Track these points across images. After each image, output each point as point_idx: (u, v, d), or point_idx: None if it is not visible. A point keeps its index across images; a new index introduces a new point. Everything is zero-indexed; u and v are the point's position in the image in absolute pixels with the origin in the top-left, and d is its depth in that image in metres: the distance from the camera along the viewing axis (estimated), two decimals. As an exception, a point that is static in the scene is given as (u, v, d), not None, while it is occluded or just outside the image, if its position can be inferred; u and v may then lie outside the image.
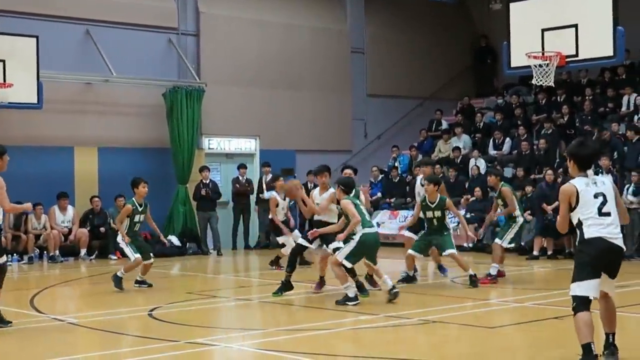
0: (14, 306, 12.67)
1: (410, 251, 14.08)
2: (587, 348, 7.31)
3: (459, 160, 23.87)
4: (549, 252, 19.04)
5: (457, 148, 24.16)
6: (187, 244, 21.72)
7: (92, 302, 13.41)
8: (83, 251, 20.12)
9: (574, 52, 14.77)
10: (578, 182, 7.65)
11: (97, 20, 21.79)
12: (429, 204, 13.92)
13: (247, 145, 24.28)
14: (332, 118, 25.74)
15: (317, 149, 24.88)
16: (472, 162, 23.19)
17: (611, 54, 14.44)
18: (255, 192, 22.66)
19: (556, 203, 15.05)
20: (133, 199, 14.02)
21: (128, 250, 13.84)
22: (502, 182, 15.07)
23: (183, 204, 22.15)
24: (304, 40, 25.36)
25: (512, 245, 15.27)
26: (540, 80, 15.86)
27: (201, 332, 10.30)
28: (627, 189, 18.64)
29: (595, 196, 7.60)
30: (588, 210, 7.55)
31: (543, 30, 15.04)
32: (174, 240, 21.29)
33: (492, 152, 24.09)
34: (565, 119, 23.46)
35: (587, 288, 7.46)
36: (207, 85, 22.62)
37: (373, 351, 9.07)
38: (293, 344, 9.46)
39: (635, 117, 22.28)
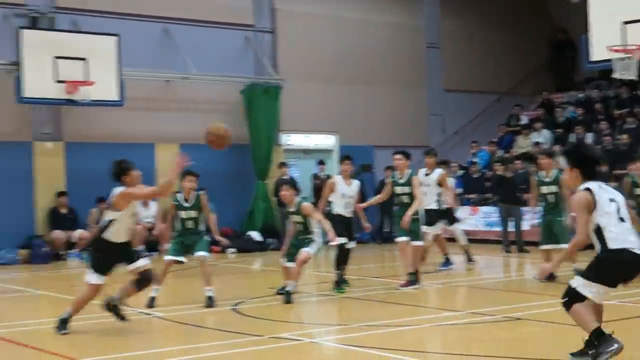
0: (101, 300, 12.90)
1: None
2: (598, 332, 7.10)
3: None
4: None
5: (537, 143, 23.85)
6: (268, 239, 21.86)
7: (177, 297, 13.57)
8: (166, 246, 20.31)
9: (657, 45, 14.48)
10: (592, 186, 7.24)
11: (176, 19, 22.08)
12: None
13: (326, 141, 24.34)
14: (408, 113, 25.67)
15: (394, 144, 24.73)
16: (553, 157, 22.85)
17: (697, 45, 14.12)
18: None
19: None
20: (178, 194, 12.52)
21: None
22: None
23: (263, 200, 22.32)
24: (380, 35, 25.33)
25: None
26: (622, 74, 15.60)
27: (285, 327, 10.36)
28: None
29: (611, 200, 7.22)
30: (610, 216, 7.15)
31: (625, 23, 14.74)
32: (255, 235, 21.47)
33: (573, 147, 23.70)
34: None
35: (596, 293, 7.17)
36: (284, 82, 22.74)
37: (456, 348, 9.02)
38: (376, 340, 9.44)
39: None
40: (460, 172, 23.88)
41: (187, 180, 12.33)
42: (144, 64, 21.13)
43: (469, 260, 16.96)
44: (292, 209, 12.45)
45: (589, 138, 23.51)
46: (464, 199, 23.26)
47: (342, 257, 13.27)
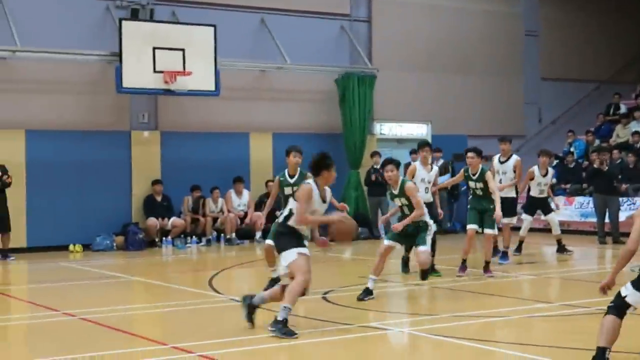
0: (193, 287, 13.16)
1: None
2: (600, 351, 6.93)
3: (638, 146, 23.01)
4: None
5: (637, 133, 23.30)
6: (359, 228, 21.88)
7: (259, 284, 13.71)
8: (258, 234, 20.57)
9: None
10: None
11: (272, 9, 22.24)
12: None
13: (419, 130, 24.23)
14: (504, 102, 25.36)
15: (488, 133, 24.52)
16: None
17: None
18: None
19: None
20: (285, 170, 12.55)
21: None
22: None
23: (355, 188, 22.36)
24: (476, 23, 25.07)
25: None
26: None
27: (374, 316, 10.39)
28: None
29: None
30: None
31: None
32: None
33: (674, 137, 23.13)
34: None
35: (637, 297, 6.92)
36: (378, 71, 22.72)
37: (549, 340, 8.90)
38: (466, 331, 9.41)
39: None
40: (556, 162, 23.50)
41: (292, 155, 12.36)
42: (240, 54, 21.35)
43: (565, 250, 16.73)
44: (395, 191, 12.18)
45: (690, 128, 22.90)
46: (559, 189, 22.89)
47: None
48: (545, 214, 16.89)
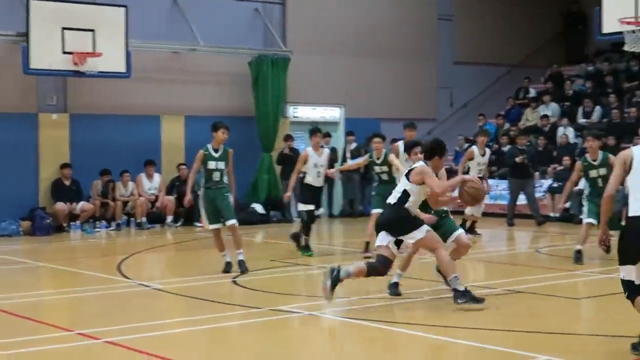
0: (101, 272, 12.95)
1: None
2: None
3: (547, 129, 23.44)
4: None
5: (546, 116, 23.72)
6: (271, 212, 21.84)
7: (177, 269, 13.60)
8: (169, 218, 20.37)
9: (669, 17, 14.30)
10: (637, 148, 7.05)
11: (184, -11, 21.93)
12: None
13: (332, 113, 24.24)
14: (417, 86, 25.51)
15: (402, 117, 24.64)
16: (560, 130, 22.74)
17: None
18: (339, 161, 22.61)
19: None
20: (208, 144, 12.78)
21: (203, 215, 12.74)
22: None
23: (267, 172, 22.27)
24: (390, 7, 25.12)
25: None
26: (633, 47, 15.46)
27: (284, 299, 10.34)
28: None
29: None
30: (637, 181, 6.85)
31: (637, -5, 14.56)
32: (258, 208, 21.48)
33: (581, 120, 23.58)
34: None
35: (629, 272, 6.94)
36: (292, 54, 22.62)
37: (457, 321, 8.98)
38: (375, 313, 9.44)
39: None
40: (467, 145, 23.77)
41: (221, 132, 12.77)
42: (152, 36, 20.99)
43: (474, 233, 16.93)
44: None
45: (597, 111, 23.36)
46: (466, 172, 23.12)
47: (310, 223, 14.44)
48: None
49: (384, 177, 14.15)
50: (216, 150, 12.68)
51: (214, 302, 10.25)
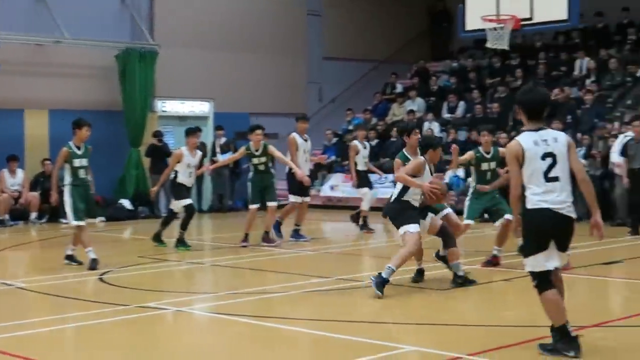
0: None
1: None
2: (562, 330, 6.88)
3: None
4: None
5: (412, 111, 24.17)
6: (139, 207, 21.55)
7: (42, 267, 13.26)
8: (33, 215, 19.83)
9: (528, 16, 14.78)
10: (524, 139, 6.98)
11: (49, -20, 21.39)
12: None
13: (201, 108, 24.07)
14: (287, 81, 25.59)
15: (271, 111, 24.75)
16: (426, 125, 23.21)
17: (565, 17, 14.51)
18: (208, 155, 22.48)
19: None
20: (70, 142, 12.64)
21: (69, 212, 12.48)
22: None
23: (135, 167, 21.94)
24: (260, 2, 25.12)
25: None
26: (495, 44, 15.91)
27: (153, 296, 10.25)
28: (578, 153, 18.75)
29: (543, 157, 6.91)
30: (533, 174, 6.91)
31: (498, -6, 14.98)
32: (126, 204, 21.17)
33: (446, 115, 24.14)
34: (519, 82, 23.55)
35: (536, 263, 6.95)
36: (160, 47, 22.32)
37: (323, 314, 9.08)
38: (244, 307, 9.44)
39: (588, 81, 22.42)
40: (335, 140, 24.05)
41: (85, 129, 12.64)
42: (15, 28, 20.38)
43: (367, 228, 17.03)
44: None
45: (461, 107, 23.95)
46: (338, 167, 23.39)
47: (190, 217, 14.50)
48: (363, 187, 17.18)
49: (261, 167, 14.63)
50: (79, 148, 12.60)
51: (81, 300, 10.07)
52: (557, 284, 7.07)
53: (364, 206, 17.04)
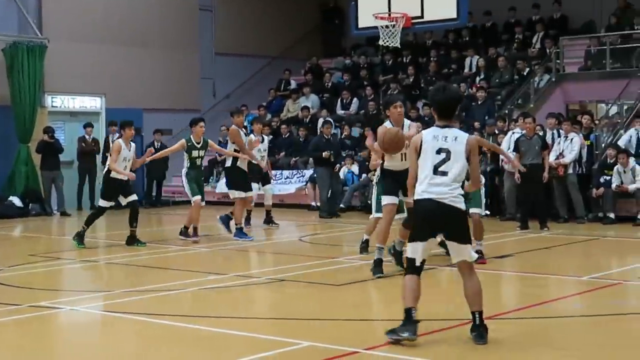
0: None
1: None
2: (407, 313, 7.25)
3: (307, 120, 24.01)
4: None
5: (306, 108, 24.29)
6: (30, 204, 21.09)
7: None
8: None
9: (419, 14, 15.00)
10: (427, 132, 7.37)
11: None
12: None
13: (92, 103, 23.67)
14: (180, 76, 25.38)
15: (164, 107, 24.56)
16: (320, 121, 23.33)
17: (455, 16, 14.76)
18: (101, 151, 22.14)
19: None
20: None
21: None
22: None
23: (25, 163, 21.45)
24: (151, -4, 24.85)
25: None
26: (387, 41, 16.07)
27: (45, 295, 10.07)
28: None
29: (438, 151, 7.25)
30: (425, 165, 7.27)
31: (390, -9, 15.17)
32: (16, 201, 20.68)
33: (340, 111, 24.33)
34: (411, 79, 23.93)
35: (414, 250, 7.32)
36: (49, 41, 21.87)
37: (220, 311, 9.07)
38: (139, 306, 9.35)
39: (477, 79, 22.92)
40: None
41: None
42: None
43: (272, 222, 17.07)
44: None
45: (355, 103, 24.17)
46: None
47: (97, 216, 14.51)
48: (264, 184, 17.12)
49: (198, 162, 14.82)
50: None
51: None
52: (466, 278, 7.36)
53: (267, 201, 17.16)
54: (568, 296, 9.75)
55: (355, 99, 24.31)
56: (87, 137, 22.14)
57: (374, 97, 23.62)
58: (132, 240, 14.15)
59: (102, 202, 14.26)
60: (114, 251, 13.90)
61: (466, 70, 23.90)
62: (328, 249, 14.16)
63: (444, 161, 7.21)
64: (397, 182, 10.34)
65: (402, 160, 10.39)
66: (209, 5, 26.65)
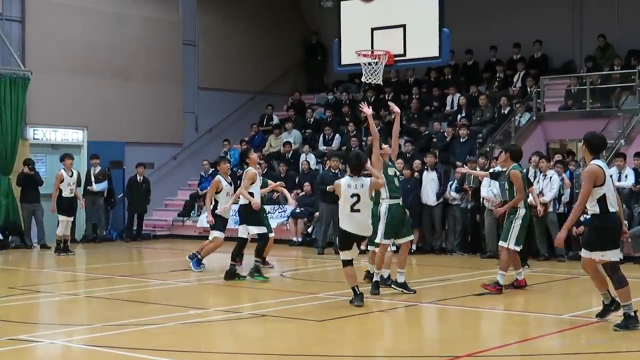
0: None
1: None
2: (353, 290, 11.18)
3: (289, 155, 24.05)
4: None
5: (288, 143, 24.35)
6: (10, 237, 20.97)
7: None
8: None
9: (402, 52, 15.09)
10: (343, 181, 11.38)
11: None
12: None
13: (75, 136, 23.62)
14: (163, 110, 25.40)
15: (147, 141, 24.56)
16: (302, 157, 23.41)
17: (437, 54, 14.83)
18: (82, 184, 22.06)
19: None
20: None
21: None
22: (515, 164, 12.95)
23: (5, 195, 21.34)
24: (134, 30, 24.91)
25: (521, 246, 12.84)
26: (369, 78, 16.13)
27: (24, 328, 10.00)
28: (450, 186, 19.24)
29: (352, 196, 11.11)
30: (345, 205, 11.18)
31: (372, 30, 15.25)
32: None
33: (322, 147, 24.39)
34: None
35: (344, 256, 11.34)
36: (32, 74, 21.86)
37: (201, 346, 9.03)
38: (119, 340, 9.30)
39: (459, 116, 23.06)
40: (212, 170, 23.93)
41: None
42: None
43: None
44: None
45: (337, 139, 24.25)
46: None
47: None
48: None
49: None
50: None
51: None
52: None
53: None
54: (549, 334, 9.77)
55: (337, 135, 24.38)
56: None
57: (356, 133, 23.71)
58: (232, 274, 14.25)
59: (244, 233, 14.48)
60: (94, 285, 13.82)
61: (448, 108, 24.06)
62: (309, 284, 14.14)
63: (356, 202, 11.18)
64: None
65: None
66: (193, 40, 26.75)
